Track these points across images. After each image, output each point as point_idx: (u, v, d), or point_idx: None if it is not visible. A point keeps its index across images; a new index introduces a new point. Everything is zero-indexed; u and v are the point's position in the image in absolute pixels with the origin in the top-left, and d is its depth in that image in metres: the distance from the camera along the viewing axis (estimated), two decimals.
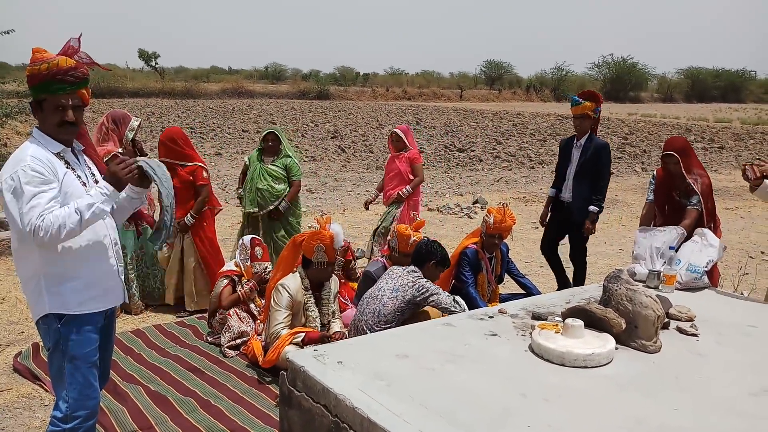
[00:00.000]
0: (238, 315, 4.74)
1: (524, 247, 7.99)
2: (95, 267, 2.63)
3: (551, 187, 5.87)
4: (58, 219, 2.37)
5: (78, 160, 2.67)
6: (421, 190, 6.52)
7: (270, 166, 5.84)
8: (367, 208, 6.90)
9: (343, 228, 5.70)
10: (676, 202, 4.60)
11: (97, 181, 2.66)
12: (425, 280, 4.08)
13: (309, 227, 4.34)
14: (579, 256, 5.71)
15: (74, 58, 2.52)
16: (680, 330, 2.88)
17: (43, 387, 3.94)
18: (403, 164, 6.26)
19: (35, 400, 3.82)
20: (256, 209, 5.83)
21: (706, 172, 4.60)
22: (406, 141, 6.32)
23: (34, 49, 2.51)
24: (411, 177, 6.28)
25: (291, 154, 5.94)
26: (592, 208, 5.39)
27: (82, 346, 2.62)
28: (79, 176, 2.59)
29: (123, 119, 5.07)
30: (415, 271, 4.13)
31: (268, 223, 5.88)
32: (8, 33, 10.23)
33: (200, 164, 5.30)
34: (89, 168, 2.73)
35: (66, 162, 2.57)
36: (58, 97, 2.49)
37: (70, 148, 2.62)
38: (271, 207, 5.79)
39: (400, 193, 6.21)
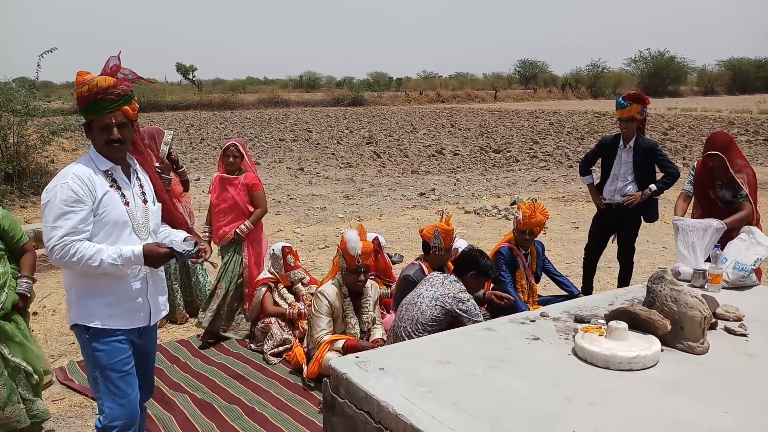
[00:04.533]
0: (279, 323, 4.80)
1: (565, 247, 7.89)
2: (124, 287, 2.66)
3: (584, 175, 5.80)
4: (78, 253, 2.43)
5: (129, 178, 2.71)
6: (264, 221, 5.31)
7: None
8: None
9: (382, 235, 5.72)
10: (712, 199, 4.54)
11: (145, 201, 2.73)
12: (467, 294, 3.98)
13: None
14: (627, 255, 5.61)
15: (117, 76, 2.58)
16: (728, 330, 2.81)
17: (89, 396, 4.05)
18: (240, 192, 4.98)
19: (87, 409, 3.94)
20: None
21: (747, 162, 4.55)
22: (247, 158, 5.11)
23: (78, 73, 2.55)
24: (250, 209, 5.04)
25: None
26: (651, 186, 5.30)
27: (110, 356, 2.67)
28: (123, 195, 2.63)
29: (158, 134, 5.16)
30: (457, 281, 4.04)
31: None
32: (51, 51, 10.60)
33: None
34: (141, 186, 2.76)
35: (113, 180, 2.62)
36: (102, 116, 2.54)
37: (119, 166, 2.66)
38: None
39: (237, 231, 4.96)
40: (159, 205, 2.85)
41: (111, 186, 2.60)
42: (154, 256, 2.57)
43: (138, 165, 2.81)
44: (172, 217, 2.97)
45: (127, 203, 2.64)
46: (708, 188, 4.59)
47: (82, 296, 2.62)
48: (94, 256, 2.45)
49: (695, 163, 4.77)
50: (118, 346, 2.69)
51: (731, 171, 4.38)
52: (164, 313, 2.92)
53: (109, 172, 2.62)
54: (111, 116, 2.55)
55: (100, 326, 2.62)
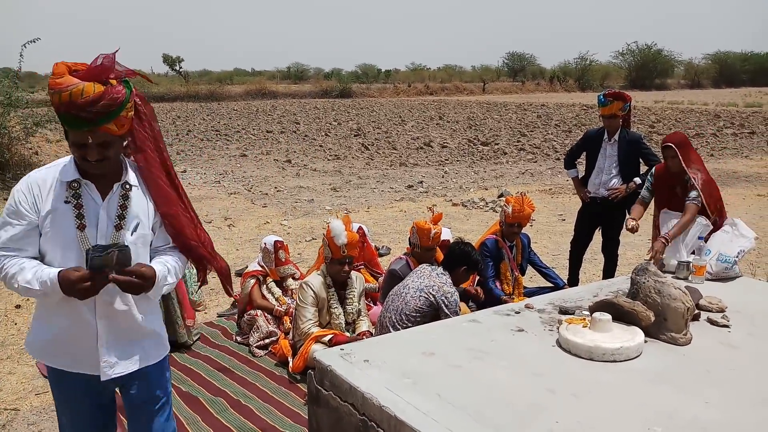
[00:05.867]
0: (265, 316, 4.79)
1: (551, 239, 7.92)
2: (68, 325, 2.16)
3: (569, 169, 5.82)
4: (3, 271, 2.06)
5: (104, 197, 2.14)
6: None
7: None
8: None
9: (367, 226, 5.71)
10: (679, 198, 4.39)
11: (119, 227, 2.13)
12: (452, 289, 3.98)
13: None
14: (612, 248, 5.64)
15: (110, 77, 2.00)
16: (711, 321, 2.83)
17: None
18: None
19: None
20: None
21: (704, 167, 4.44)
22: None
23: (54, 70, 1.98)
24: None
25: None
26: (636, 179, 5.29)
27: (60, 397, 2.37)
28: (82, 215, 2.10)
29: None
30: (444, 274, 4.06)
31: None
32: (34, 41, 10.48)
33: None
34: (124, 207, 2.15)
35: (76, 195, 2.11)
36: (78, 133, 2.00)
37: (93, 184, 2.13)
38: None
39: None
40: (144, 234, 2.21)
41: (68, 201, 2.10)
42: (67, 283, 1.98)
43: (135, 174, 2.22)
44: (184, 238, 2.27)
45: (82, 226, 2.10)
46: (673, 187, 4.44)
47: (34, 316, 2.26)
48: (14, 277, 2.03)
49: (653, 170, 4.72)
50: (70, 386, 2.26)
51: (683, 165, 4.30)
52: (123, 371, 2.24)
53: (74, 184, 2.11)
54: (87, 135, 1.99)
55: (36, 360, 2.34)
